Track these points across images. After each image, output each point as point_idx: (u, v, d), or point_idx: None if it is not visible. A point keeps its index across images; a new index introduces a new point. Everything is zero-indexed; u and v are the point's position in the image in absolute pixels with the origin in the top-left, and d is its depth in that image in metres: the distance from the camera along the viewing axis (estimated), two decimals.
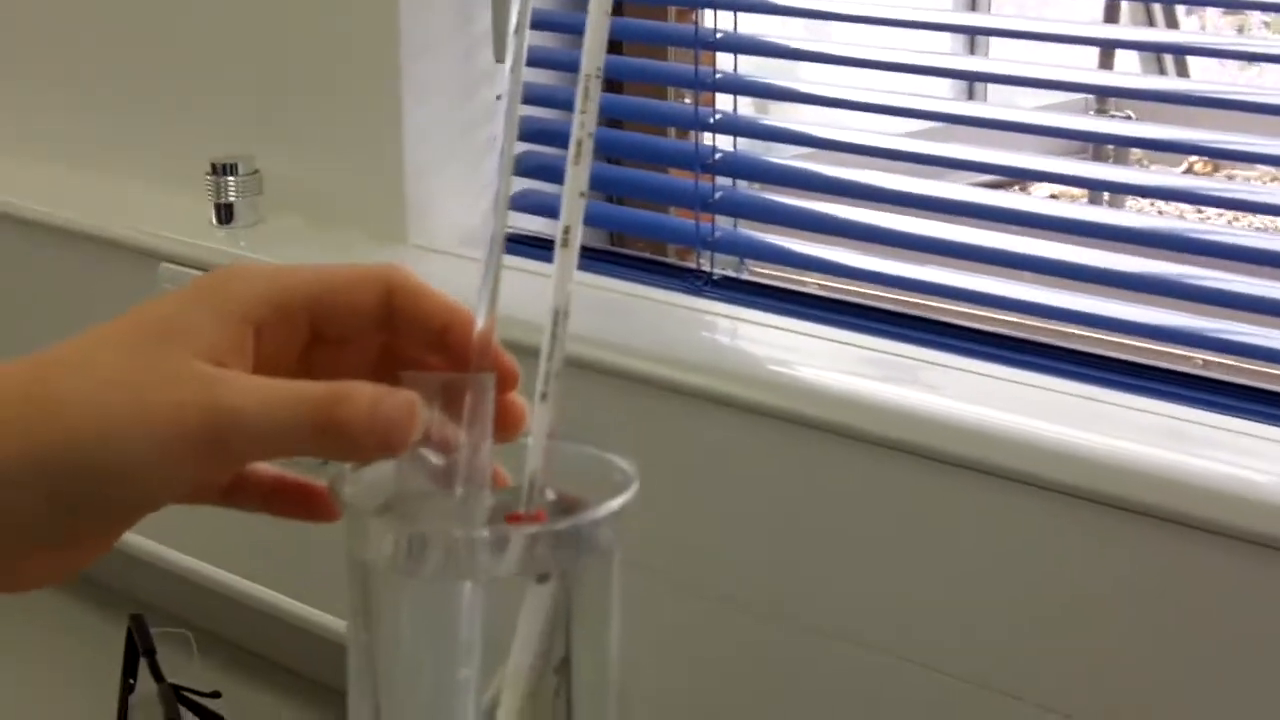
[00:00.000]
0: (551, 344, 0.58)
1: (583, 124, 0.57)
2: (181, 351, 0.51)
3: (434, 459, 0.54)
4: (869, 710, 1.18)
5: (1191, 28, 2.32)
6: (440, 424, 0.54)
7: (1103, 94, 1.84)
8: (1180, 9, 2.26)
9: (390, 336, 0.56)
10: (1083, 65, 1.80)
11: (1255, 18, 2.46)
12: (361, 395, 0.51)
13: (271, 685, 1.61)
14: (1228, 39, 1.89)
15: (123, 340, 0.51)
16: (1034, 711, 1.08)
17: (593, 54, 0.57)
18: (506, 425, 0.56)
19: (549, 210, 1.47)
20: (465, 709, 0.54)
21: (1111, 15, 2.16)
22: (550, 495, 0.56)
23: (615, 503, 0.54)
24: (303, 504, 0.60)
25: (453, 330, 0.57)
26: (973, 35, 2.06)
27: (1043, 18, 1.26)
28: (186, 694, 1.50)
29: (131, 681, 1.57)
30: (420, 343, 0.57)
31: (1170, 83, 1.85)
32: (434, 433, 0.54)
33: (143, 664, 1.56)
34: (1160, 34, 2.11)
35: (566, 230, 0.58)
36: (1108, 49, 1.98)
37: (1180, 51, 2.13)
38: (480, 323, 0.57)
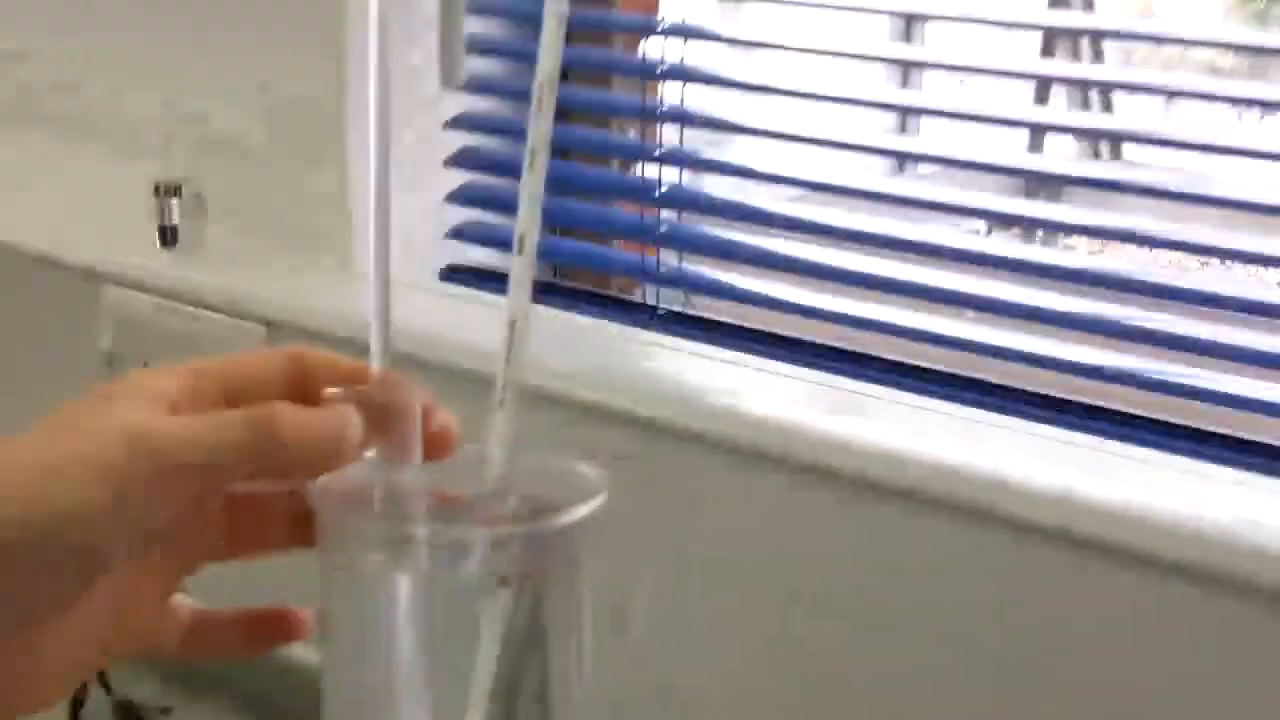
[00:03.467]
0: (508, 351, 0.57)
1: (538, 132, 0.57)
2: (96, 420, 0.50)
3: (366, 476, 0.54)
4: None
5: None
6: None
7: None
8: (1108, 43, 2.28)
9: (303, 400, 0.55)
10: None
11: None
12: (291, 407, 0.51)
13: (222, 703, 1.59)
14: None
15: (33, 432, 0.51)
16: None
17: (548, 60, 0.57)
18: (436, 444, 0.56)
19: (496, 241, 1.47)
20: (417, 712, 0.54)
21: (1048, 50, 2.19)
22: (513, 503, 0.56)
23: (583, 508, 0.53)
24: (273, 629, 0.60)
25: (359, 378, 0.57)
26: (906, 68, 2.07)
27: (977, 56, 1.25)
28: (138, 709, 1.49)
29: (82, 697, 1.55)
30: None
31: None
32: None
33: (95, 678, 1.55)
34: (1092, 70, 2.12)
35: (522, 238, 0.58)
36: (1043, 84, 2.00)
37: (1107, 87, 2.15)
38: (376, 360, 0.56)
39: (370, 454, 0.54)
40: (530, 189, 0.58)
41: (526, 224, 0.58)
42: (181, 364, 0.55)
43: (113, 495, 0.48)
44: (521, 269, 0.58)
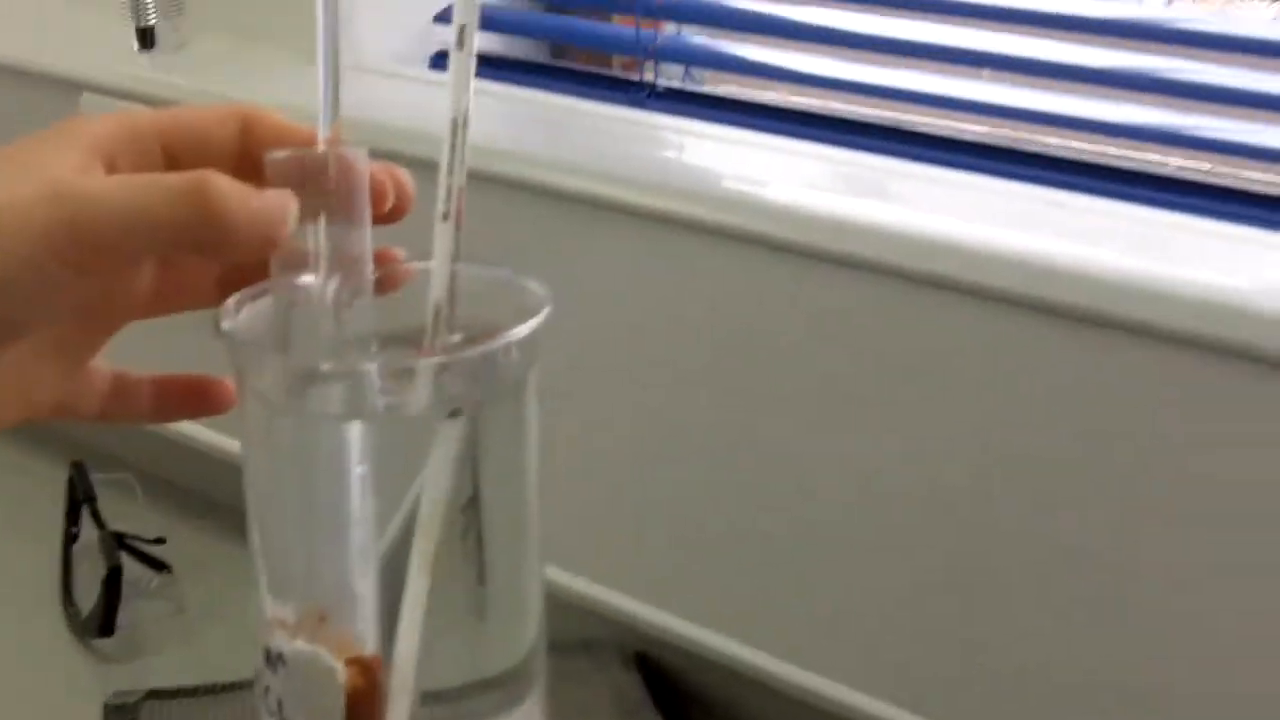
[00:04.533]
0: (451, 157, 0.51)
1: None
2: (25, 171, 0.46)
3: (308, 245, 0.50)
4: (783, 544, 1.14)
5: None
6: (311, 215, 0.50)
7: None
8: None
9: (251, 176, 0.50)
10: None
11: None
12: (229, 182, 0.46)
13: (217, 528, 1.56)
14: None
15: None
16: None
17: None
18: (390, 210, 0.53)
19: (492, 23, 1.39)
20: (361, 549, 0.50)
21: None
22: (455, 326, 0.51)
23: (525, 327, 0.48)
24: (193, 399, 0.57)
25: (308, 144, 0.52)
26: None
27: None
28: (130, 540, 1.45)
29: (74, 530, 1.52)
30: None
31: None
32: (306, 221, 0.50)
33: (85, 511, 1.51)
34: None
35: (462, 30, 0.52)
36: None
37: None
38: (323, 130, 0.51)
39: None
40: None
41: (466, 15, 0.52)
42: (126, 113, 0.51)
43: (31, 262, 0.45)
44: (461, 64, 0.52)
